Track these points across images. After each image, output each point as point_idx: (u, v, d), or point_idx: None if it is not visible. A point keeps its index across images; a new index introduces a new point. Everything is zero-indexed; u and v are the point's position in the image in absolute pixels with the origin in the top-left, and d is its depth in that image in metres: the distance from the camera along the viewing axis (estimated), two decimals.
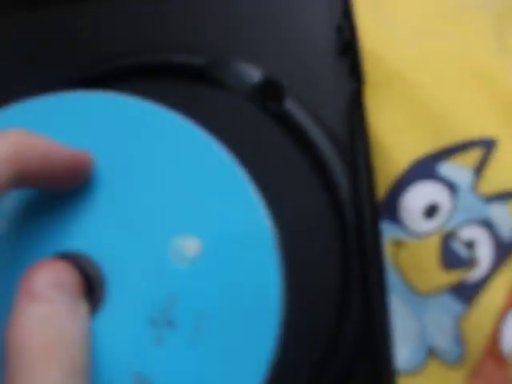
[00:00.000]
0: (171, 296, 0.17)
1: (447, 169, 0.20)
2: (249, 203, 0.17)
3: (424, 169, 0.20)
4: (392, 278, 0.19)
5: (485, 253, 0.19)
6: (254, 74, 0.20)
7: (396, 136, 0.20)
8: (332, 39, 0.21)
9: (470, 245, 0.19)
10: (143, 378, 0.17)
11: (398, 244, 0.20)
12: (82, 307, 0.16)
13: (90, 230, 0.18)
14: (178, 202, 0.17)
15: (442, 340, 0.19)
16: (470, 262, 0.19)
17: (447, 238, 0.19)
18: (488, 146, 0.20)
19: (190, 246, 0.17)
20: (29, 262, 0.17)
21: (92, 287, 0.17)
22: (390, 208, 0.20)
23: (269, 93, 0.20)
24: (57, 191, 0.18)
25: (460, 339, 0.18)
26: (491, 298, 0.18)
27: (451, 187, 0.20)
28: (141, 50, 0.21)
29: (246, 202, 0.17)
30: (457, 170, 0.20)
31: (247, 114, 0.20)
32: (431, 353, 0.19)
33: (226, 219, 0.17)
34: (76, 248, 0.18)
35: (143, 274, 0.17)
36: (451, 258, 0.19)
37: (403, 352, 0.19)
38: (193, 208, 0.17)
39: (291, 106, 0.19)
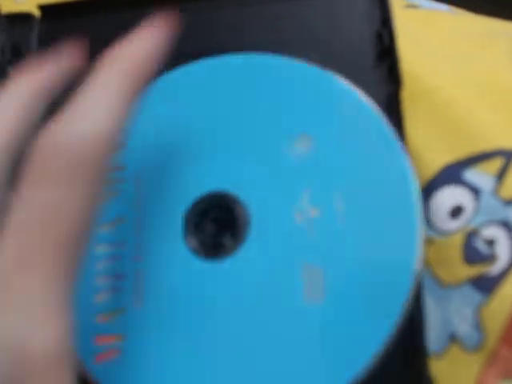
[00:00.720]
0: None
1: (472, 175, 0.22)
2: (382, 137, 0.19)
3: (451, 174, 0.22)
4: None
5: (503, 250, 0.21)
6: None
7: (427, 144, 0.22)
8: (371, 44, 0.23)
9: (490, 242, 0.21)
10: (313, 269, 0.18)
11: (426, 241, 0.22)
12: None
13: (233, 170, 0.20)
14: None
15: (463, 327, 0.21)
16: (490, 258, 0.21)
17: (470, 236, 0.21)
18: (508, 156, 0.22)
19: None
20: (176, 204, 0.19)
21: (239, 222, 0.19)
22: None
23: None
24: None
25: (479, 327, 0.21)
26: (508, 290, 0.20)
27: (475, 191, 0.22)
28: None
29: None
30: (480, 176, 0.22)
31: None
32: (453, 339, 0.21)
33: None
34: (222, 188, 0.20)
35: (280, 202, 0.19)
36: (473, 254, 0.21)
37: (428, 337, 0.21)
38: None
39: None
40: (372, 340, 0.17)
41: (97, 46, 0.25)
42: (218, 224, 0.20)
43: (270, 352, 0.18)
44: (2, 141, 0.14)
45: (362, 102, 0.20)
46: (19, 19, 0.25)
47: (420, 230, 0.18)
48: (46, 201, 0.13)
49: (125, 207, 0.20)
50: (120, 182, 0.20)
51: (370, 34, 0.23)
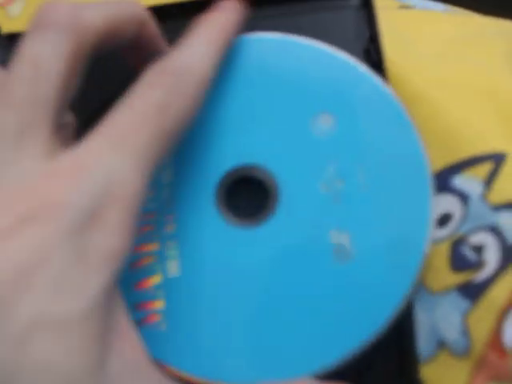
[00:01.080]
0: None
1: (460, 181, 0.22)
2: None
3: (440, 181, 0.22)
4: None
5: (492, 256, 0.21)
6: None
7: None
8: (360, 59, 0.23)
9: (478, 249, 0.21)
10: (340, 234, 0.20)
11: None
12: None
13: (262, 144, 0.21)
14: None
15: (451, 333, 0.21)
16: (477, 265, 0.21)
17: (457, 244, 0.21)
18: (498, 159, 0.22)
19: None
20: (205, 179, 0.21)
21: (269, 193, 0.21)
22: None
23: None
24: None
25: (467, 333, 0.21)
26: (495, 297, 0.20)
27: (463, 197, 0.22)
28: None
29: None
30: (469, 181, 0.22)
31: None
32: (441, 345, 0.21)
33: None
34: (252, 160, 0.21)
35: (306, 166, 0.21)
36: (460, 262, 0.21)
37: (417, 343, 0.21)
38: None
39: None
40: (393, 295, 0.19)
41: (97, 63, 0.25)
42: (248, 194, 0.22)
43: (304, 310, 0.20)
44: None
45: (379, 85, 0.21)
46: (19, 38, 0.26)
47: (432, 200, 0.20)
48: (159, 98, 0.16)
49: (155, 180, 0.21)
50: None
51: (358, 50, 0.23)
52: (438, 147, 0.22)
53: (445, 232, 0.22)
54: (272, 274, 0.20)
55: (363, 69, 0.21)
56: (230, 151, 0.21)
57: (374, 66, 0.22)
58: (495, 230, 0.21)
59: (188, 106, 0.17)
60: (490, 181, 0.22)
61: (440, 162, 0.22)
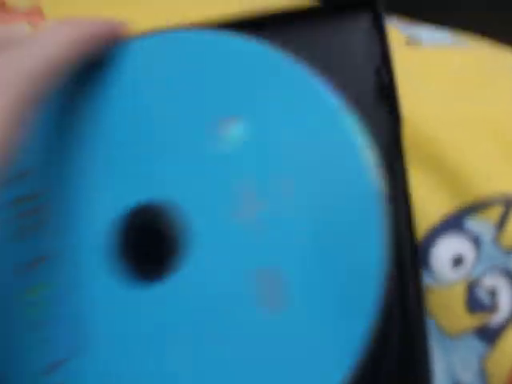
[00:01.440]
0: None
1: (472, 224, 0.22)
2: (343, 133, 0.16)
3: (452, 224, 0.22)
4: None
5: (505, 299, 0.21)
6: None
7: (427, 193, 0.22)
8: (372, 81, 0.22)
9: (492, 292, 0.21)
10: (268, 272, 0.15)
11: (428, 290, 0.22)
12: None
13: (159, 174, 0.17)
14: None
15: (468, 377, 0.21)
16: (492, 307, 0.21)
17: (472, 286, 0.22)
18: (508, 203, 0.22)
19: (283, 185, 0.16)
20: (95, 237, 0.17)
21: (174, 235, 0.17)
22: (421, 257, 0.22)
23: None
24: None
25: (484, 377, 0.21)
26: (511, 341, 0.21)
27: (475, 240, 0.22)
28: None
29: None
30: (480, 224, 0.22)
31: None
32: None
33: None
34: (148, 197, 0.17)
35: (222, 207, 0.16)
36: (475, 304, 0.21)
37: None
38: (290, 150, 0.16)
39: None
40: (344, 350, 0.15)
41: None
42: (150, 242, 0.17)
43: (232, 377, 0.15)
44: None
45: (297, 73, 0.17)
46: None
47: (381, 210, 0.15)
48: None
49: (43, 244, 0.17)
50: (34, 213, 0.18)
51: (370, 71, 0.22)
52: (448, 190, 0.22)
53: (459, 274, 0.22)
54: (190, 336, 0.16)
55: (277, 60, 0.17)
56: (117, 194, 0.17)
57: (385, 87, 0.21)
58: (509, 274, 0.21)
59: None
60: (501, 224, 0.22)
61: (451, 203, 0.22)
